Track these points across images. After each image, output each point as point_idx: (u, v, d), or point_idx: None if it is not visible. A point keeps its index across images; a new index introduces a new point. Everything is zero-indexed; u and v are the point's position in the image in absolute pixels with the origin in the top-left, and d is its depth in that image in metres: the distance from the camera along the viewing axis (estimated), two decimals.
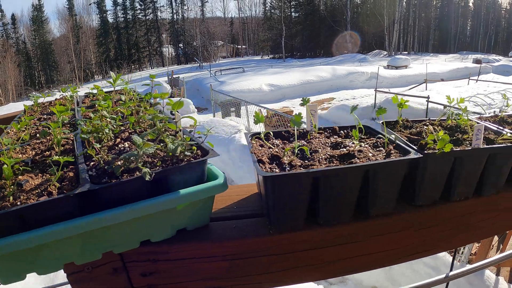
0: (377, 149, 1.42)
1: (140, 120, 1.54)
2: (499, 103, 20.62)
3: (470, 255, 7.51)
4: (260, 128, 15.32)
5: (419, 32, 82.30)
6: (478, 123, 1.66)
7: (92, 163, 1.20)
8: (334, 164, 1.26)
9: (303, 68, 37.60)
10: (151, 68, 78.43)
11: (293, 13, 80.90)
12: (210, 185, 1.19)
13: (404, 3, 78.39)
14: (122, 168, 1.12)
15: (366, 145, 1.45)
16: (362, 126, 1.59)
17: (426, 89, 27.06)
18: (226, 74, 37.69)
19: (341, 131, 1.62)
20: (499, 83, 28.56)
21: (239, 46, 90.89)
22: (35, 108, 2.18)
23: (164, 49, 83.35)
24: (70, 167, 1.22)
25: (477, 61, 49.90)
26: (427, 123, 1.70)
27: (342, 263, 1.38)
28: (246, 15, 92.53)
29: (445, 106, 18.92)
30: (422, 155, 1.31)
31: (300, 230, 1.29)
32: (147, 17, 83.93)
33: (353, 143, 1.45)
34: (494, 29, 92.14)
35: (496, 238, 7.16)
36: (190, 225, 1.27)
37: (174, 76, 32.58)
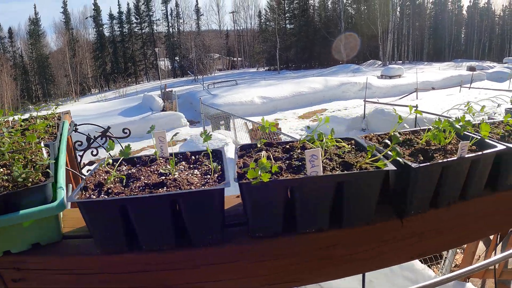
0: (204, 176, 1.43)
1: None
2: (489, 110, 20.69)
3: (455, 266, 7.48)
4: (246, 141, 15.36)
5: (413, 41, 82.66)
6: (356, 141, 1.68)
7: None
8: (145, 193, 1.29)
9: (296, 79, 37.72)
10: (148, 82, 78.58)
11: (287, 25, 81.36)
12: (43, 208, 1.31)
13: (397, 13, 78.90)
14: None
15: (197, 172, 1.48)
16: (209, 152, 1.60)
17: (417, 98, 27.18)
18: (219, 87, 37.75)
19: (192, 157, 1.65)
20: (491, 90, 28.67)
21: (235, 59, 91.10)
22: None
23: (160, 62, 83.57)
24: None
25: (471, 69, 50.08)
26: (287, 147, 1.66)
27: None
28: (241, 27, 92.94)
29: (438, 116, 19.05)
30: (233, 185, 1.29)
31: (123, 253, 1.34)
32: (143, 31, 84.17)
33: (179, 170, 1.49)
34: (488, 36, 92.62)
35: (482, 247, 7.11)
36: (42, 241, 1.39)
37: (167, 89, 32.67)
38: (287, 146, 1.66)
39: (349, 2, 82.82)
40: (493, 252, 6.45)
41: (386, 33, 72.92)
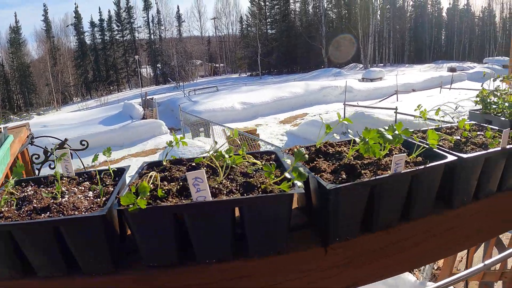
0: (95, 200, 1.33)
1: None
2: (468, 110, 20.80)
3: (436, 269, 7.30)
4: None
5: (394, 44, 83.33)
6: (277, 156, 1.45)
7: None
8: (30, 218, 1.21)
9: (277, 84, 37.55)
10: (130, 89, 77.99)
11: (269, 30, 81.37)
12: None
13: (378, 16, 79.53)
14: None
15: (91, 195, 1.38)
16: (112, 172, 1.48)
17: (397, 100, 27.19)
18: (200, 93, 37.49)
19: (97, 176, 1.51)
20: (471, 90, 28.96)
21: (217, 65, 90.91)
22: None
23: (143, 69, 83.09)
24: None
25: (451, 70, 50.73)
26: (193, 164, 1.48)
27: None
28: (223, 33, 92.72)
29: (415, 117, 19.01)
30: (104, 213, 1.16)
31: (17, 279, 1.27)
32: (125, 38, 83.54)
33: (72, 193, 1.38)
34: (468, 37, 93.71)
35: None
36: None
37: (148, 97, 32.35)
38: (193, 164, 1.48)
39: (330, 6, 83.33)
40: (475, 254, 6.29)
41: (366, 36, 73.46)
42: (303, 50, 75.65)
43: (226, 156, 1.29)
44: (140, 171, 1.45)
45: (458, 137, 1.78)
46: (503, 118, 2.23)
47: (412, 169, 1.32)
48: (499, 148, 1.60)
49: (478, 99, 2.53)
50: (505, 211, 1.82)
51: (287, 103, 29.95)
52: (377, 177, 1.23)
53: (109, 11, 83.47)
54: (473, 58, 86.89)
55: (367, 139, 1.32)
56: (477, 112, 2.47)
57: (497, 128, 1.91)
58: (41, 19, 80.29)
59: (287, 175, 1.15)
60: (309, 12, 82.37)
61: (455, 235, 1.65)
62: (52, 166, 3.61)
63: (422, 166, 1.35)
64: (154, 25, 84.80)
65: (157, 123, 24.77)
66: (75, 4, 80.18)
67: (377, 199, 1.29)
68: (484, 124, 2.05)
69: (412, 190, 1.38)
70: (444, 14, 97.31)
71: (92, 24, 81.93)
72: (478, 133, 1.86)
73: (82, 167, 3.95)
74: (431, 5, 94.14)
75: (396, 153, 1.46)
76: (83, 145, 3.68)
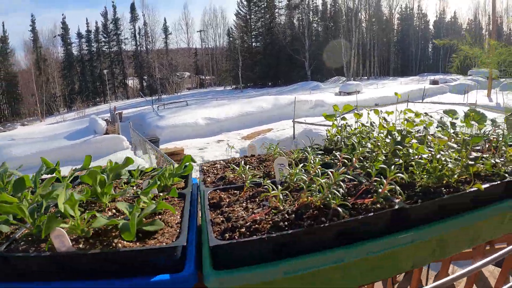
0: None
1: None
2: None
3: None
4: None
5: (379, 56, 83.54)
6: None
7: None
8: None
9: (246, 99, 37.26)
10: (116, 101, 77.85)
11: (254, 43, 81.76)
12: None
13: (364, 29, 79.89)
14: None
15: None
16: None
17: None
18: (169, 108, 37.34)
19: None
20: (438, 104, 28.93)
21: (203, 77, 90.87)
22: None
23: (130, 81, 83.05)
24: None
25: (434, 82, 50.94)
26: None
27: None
28: (210, 45, 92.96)
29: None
30: None
31: None
32: (111, 49, 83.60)
33: None
34: (455, 49, 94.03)
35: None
36: None
37: (116, 112, 32.29)
38: None
39: (316, 19, 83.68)
40: None
41: (350, 49, 73.49)
42: (286, 63, 75.88)
43: None
44: None
45: None
46: None
47: None
48: None
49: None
50: None
51: (253, 118, 29.76)
52: None
53: (96, 22, 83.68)
54: (460, 70, 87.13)
55: None
56: None
57: None
58: (28, 29, 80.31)
59: None
60: (294, 25, 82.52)
61: None
62: None
63: None
64: (141, 36, 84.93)
65: (118, 138, 24.62)
66: (62, 14, 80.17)
67: None
68: None
69: None
70: (431, 26, 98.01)
71: (79, 35, 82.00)
72: None
73: None
74: (418, 18, 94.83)
75: None
76: None
